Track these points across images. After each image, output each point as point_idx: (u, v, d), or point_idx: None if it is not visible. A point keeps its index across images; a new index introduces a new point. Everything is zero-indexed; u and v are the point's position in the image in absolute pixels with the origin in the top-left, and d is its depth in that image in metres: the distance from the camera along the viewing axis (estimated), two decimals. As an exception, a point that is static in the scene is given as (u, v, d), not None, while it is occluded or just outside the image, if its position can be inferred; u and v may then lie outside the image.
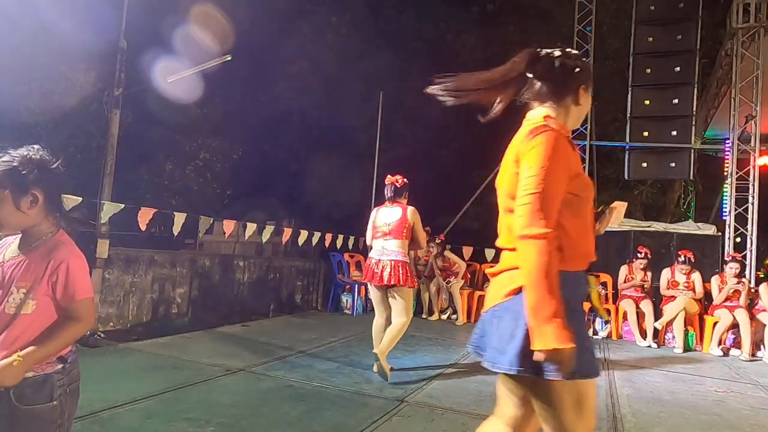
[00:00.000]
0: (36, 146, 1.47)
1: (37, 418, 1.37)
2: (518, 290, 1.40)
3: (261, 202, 13.70)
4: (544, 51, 1.55)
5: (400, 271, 3.85)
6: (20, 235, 1.47)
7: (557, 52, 1.54)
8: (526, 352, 1.33)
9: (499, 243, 1.56)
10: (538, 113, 1.54)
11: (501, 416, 1.58)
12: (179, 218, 5.55)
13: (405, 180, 4.10)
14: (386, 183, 4.13)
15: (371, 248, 4.12)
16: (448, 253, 7.33)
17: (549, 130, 1.43)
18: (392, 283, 3.84)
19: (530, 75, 1.54)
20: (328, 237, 7.80)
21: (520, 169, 1.42)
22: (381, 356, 3.70)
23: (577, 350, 1.29)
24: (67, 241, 1.47)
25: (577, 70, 1.56)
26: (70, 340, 1.43)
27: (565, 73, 1.54)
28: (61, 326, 1.41)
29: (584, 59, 1.61)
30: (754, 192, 7.08)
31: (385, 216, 4.04)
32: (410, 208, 4.01)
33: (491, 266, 1.59)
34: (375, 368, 3.76)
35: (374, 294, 4.07)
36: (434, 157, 14.16)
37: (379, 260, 3.95)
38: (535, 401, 1.45)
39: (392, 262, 3.89)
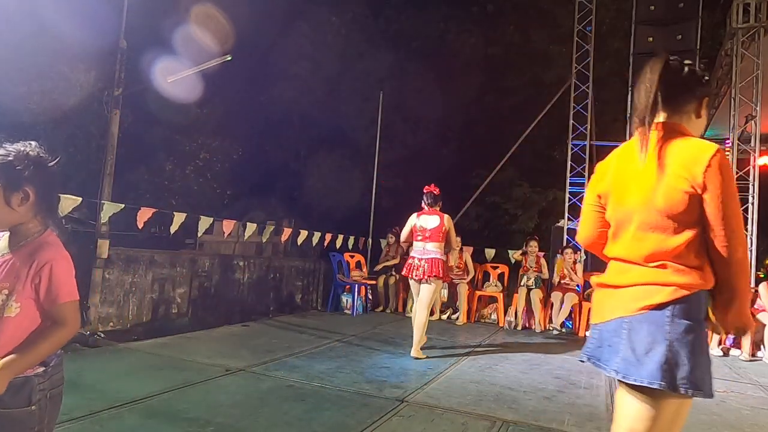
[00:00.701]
0: (33, 143, 1.42)
1: (13, 422, 1.30)
2: (657, 306, 1.42)
3: (261, 202, 13.68)
4: (673, 57, 1.57)
5: (437, 267, 4.59)
6: (8, 233, 1.41)
7: (687, 60, 1.57)
8: (665, 367, 1.37)
9: (626, 256, 1.53)
10: (675, 124, 1.53)
11: None
12: (178, 218, 5.56)
13: (439, 189, 4.81)
14: (425, 191, 4.81)
15: (412, 247, 4.82)
16: (466, 255, 7.34)
17: (719, 148, 1.44)
18: (428, 275, 4.55)
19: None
20: (328, 237, 7.80)
21: (711, 192, 1.38)
22: (416, 353, 4.52)
23: (706, 368, 1.38)
24: (53, 242, 1.41)
25: (705, 79, 1.58)
26: (54, 346, 1.36)
27: (694, 81, 1.56)
28: (45, 331, 1.34)
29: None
30: (754, 192, 7.07)
31: (425, 222, 4.72)
32: (446, 216, 4.73)
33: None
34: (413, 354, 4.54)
35: (414, 287, 4.75)
36: (434, 157, 14.15)
37: (421, 258, 4.64)
38: (639, 411, 1.45)
39: (431, 260, 4.60)
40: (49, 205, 1.45)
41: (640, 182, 1.50)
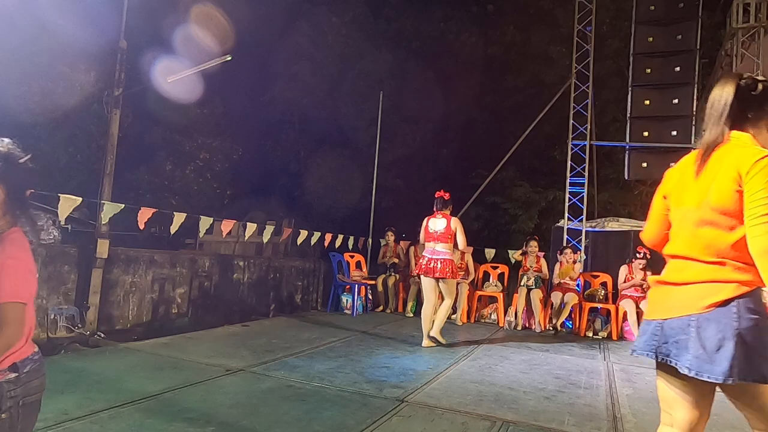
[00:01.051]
0: (6, 140, 1.37)
1: None
2: (723, 302, 1.50)
3: (261, 202, 13.68)
4: (747, 74, 1.66)
5: (447, 267, 5.05)
6: None
7: (760, 77, 1.65)
8: (737, 362, 1.45)
9: (685, 253, 1.63)
10: (741, 134, 1.63)
11: (675, 422, 1.68)
12: (178, 218, 5.55)
13: (449, 194, 5.32)
14: (436, 196, 5.27)
15: (424, 248, 5.27)
16: (468, 256, 7.34)
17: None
18: (441, 276, 5.05)
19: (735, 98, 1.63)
20: (328, 237, 7.80)
21: (749, 190, 1.48)
22: (436, 335, 5.09)
23: None
24: (10, 240, 1.33)
25: None
26: None
27: (765, 98, 1.64)
28: None
29: None
30: (754, 192, 7.07)
31: (434, 224, 5.18)
32: (453, 219, 5.19)
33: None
34: (425, 344, 5.04)
35: (426, 283, 5.18)
36: (434, 157, 14.14)
37: (431, 258, 5.11)
38: (757, 406, 1.53)
39: (441, 260, 5.07)
40: (21, 204, 1.38)
41: (697, 183, 1.62)
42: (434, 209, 5.25)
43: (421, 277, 5.24)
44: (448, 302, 5.16)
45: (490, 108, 13.82)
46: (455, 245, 5.16)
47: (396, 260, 7.79)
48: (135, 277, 5.38)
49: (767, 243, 1.42)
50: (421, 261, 5.23)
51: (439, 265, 5.05)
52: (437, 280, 5.12)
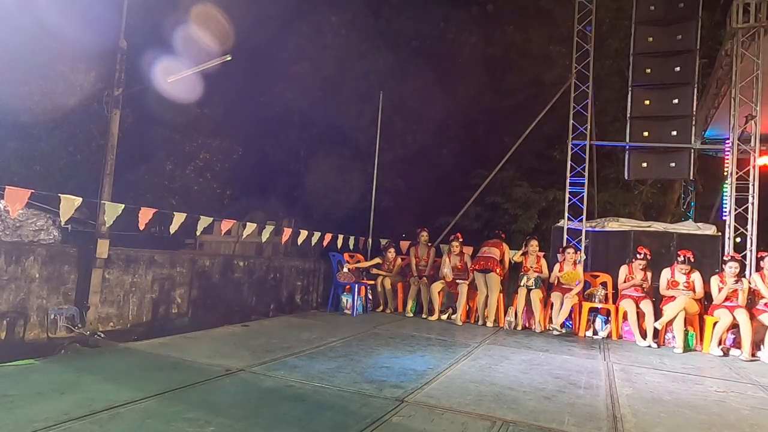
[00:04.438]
0: None
1: None
2: None
3: (261, 202, 13.66)
4: None
5: (492, 264, 6.75)
6: None
7: None
8: None
9: None
10: None
11: None
12: (178, 218, 5.56)
13: (504, 234, 7.45)
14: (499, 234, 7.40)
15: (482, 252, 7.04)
16: (467, 257, 7.33)
17: None
18: (488, 267, 6.75)
19: None
20: (328, 237, 7.80)
21: None
22: (511, 318, 6.77)
23: None
24: None
25: None
26: None
27: None
28: None
29: None
30: (754, 192, 7.06)
31: (488, 247, 7.04)
32: (503, 245, 7.11)
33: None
34: (489, 325, 6.84)
35: (479, 277, 6.85)
36: (434, 157, 14.13)
37: (483, 257, 6.87)
38: None
39: (490, 259, 6.79)
40: None
41: None
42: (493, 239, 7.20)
43: (475, 273, 6.89)
44: (493, 296, 6.84)
45: (490, 108, 13.80)
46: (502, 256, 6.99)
47: (383, 273, 7.75)
48: (135, 277, 5.39)
49: None
50: (476, 260, 6.94)
51: (488, 263, 6.73)
52: (484, 273, 6.79)
